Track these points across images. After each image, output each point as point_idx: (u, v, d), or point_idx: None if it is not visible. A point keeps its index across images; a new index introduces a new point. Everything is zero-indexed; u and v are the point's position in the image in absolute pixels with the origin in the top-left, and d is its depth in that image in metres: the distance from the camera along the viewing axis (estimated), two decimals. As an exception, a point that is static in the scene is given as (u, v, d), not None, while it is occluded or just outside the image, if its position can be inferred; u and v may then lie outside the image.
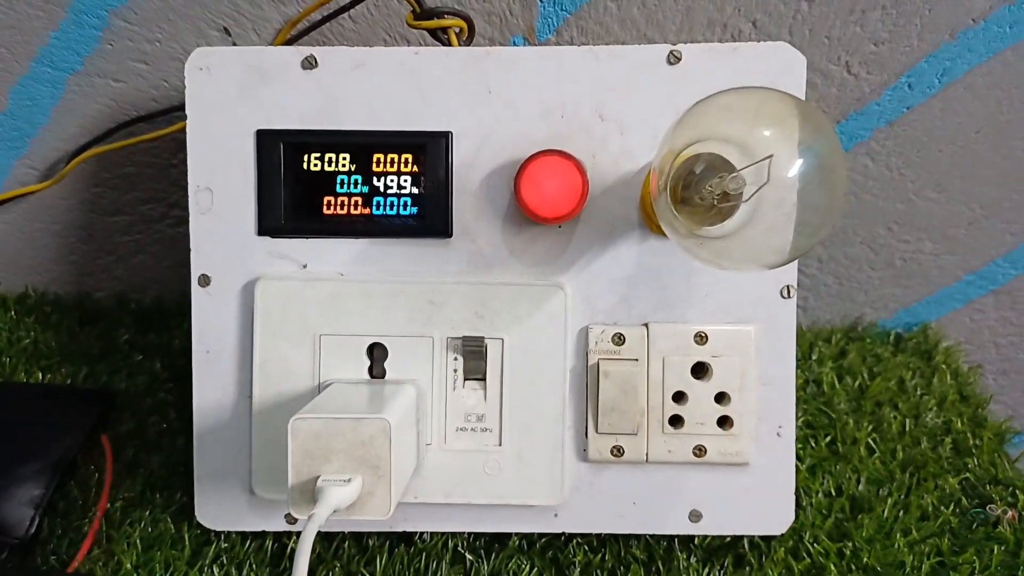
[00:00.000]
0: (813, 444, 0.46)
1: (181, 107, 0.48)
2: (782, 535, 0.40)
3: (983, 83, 0.48)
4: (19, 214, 0.54)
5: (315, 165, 0.38)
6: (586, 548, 0.41)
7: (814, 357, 0.54)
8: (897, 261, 0.55)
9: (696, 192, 0.30)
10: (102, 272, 0.57)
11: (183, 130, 0.46)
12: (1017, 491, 0.44)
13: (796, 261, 0.37)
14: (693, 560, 0.40)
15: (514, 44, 0.47)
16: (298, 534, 0.41)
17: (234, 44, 0.47)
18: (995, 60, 0.47)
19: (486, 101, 0.38)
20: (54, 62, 0.48)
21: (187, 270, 0.56)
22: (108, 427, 0.47)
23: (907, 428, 0.48)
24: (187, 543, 0.41)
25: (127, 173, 0.52)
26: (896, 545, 0.41)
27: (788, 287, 0.37)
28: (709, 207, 0.30)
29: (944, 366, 0.54)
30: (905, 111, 0.48)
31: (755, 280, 0.37)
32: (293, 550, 0.41)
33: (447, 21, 0.38)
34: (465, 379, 0.38)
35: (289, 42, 0.44)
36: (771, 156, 0.26)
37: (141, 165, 0.52)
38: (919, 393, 0.51)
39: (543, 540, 0.41)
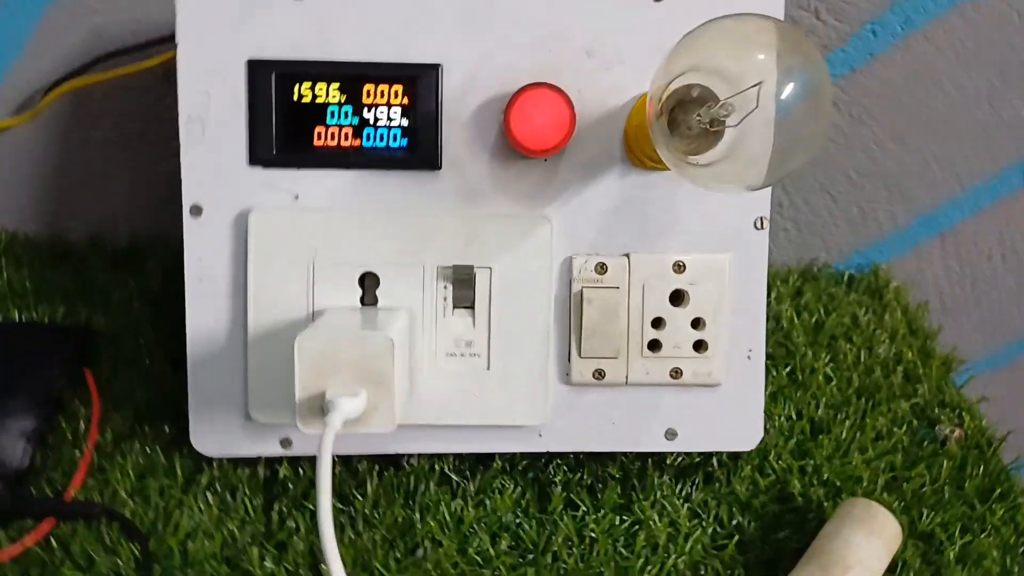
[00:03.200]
0: (775, 373, 0.50)
1: (160, 40, 0.47)
2: (749, 454, 0.43)
3: (942, 35, 0.51)
4: (-11, 152, 0.53)
5: (305, 96, 0.39)
6: (565, 468, 0.43)
7: (773, 296, 0.57)
8: (853, 208, 0.58)
9: (685, 122, 0.32)
10: (75, 211, 0.56)
11: (163, 64, 0.46)
12: (963, 412, 0.48)
13: (769, 192, 0.39)
14: (666, 478, 0.43)
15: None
16: (290, 459, 0.42)
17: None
18: (954, 12, 0.50)
19: (477, 34, 0.38)
20: (26, -8, 0.47)
21: (164, 207, 0.56)
22: (90, 363, 0.48)
23: (861, 358, 0.52)
24: (179, 471, 0.42)
25: (102, 109, 0.51)
26: (853, 462, 0.44)
27: (761, 219, 0.40)
28: (697, 135, 0.32)
29: (894, 303, 0.57)
30: (868, 58, 0.51)
31: (730, 212, 0.40)
32: (285, 476, 0.42)
33: (438, -45, 0.39)
34: (454, 307, 0.40)
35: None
36: (761, 83, 0.28)
37: (118, 100, 0.51)
38: (871, 328, 0.55)
39: (525, 462, 0.44)
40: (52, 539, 0.39)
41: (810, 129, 0.28)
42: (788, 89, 0.28)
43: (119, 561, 0.39)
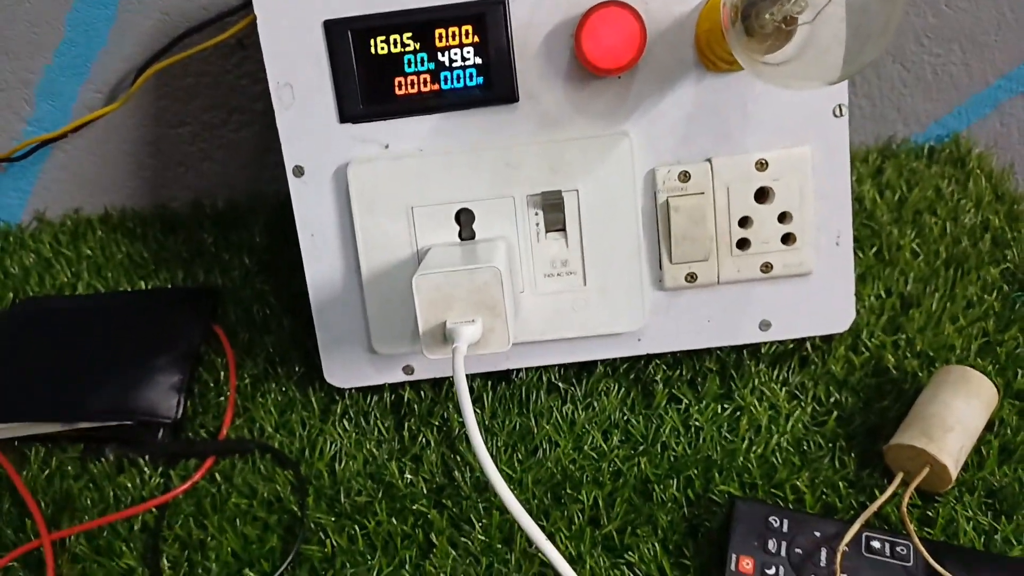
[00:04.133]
0: (861, 254, 0.50)
1: (230, 12, 0.49)
2: (841, 335, 0.45)
3: None
4: (90, 138, 0.57)
5: (382, 48, 0.40)
6: (664, 367, 0.46)
7: (854, 177, 0.57)
8: (928, 74, 0.57)
9: (758, 21, 0.32)
10: (174, 182, 0.60)
11: (236, 34, 0.49)
12: (1054, 271, 0.48)
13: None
14: (762, 366, 0.45)
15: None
16: (411, 383, 0.47)
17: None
18: None
19: (537, -38, 0.39)
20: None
21: (253, 170, 0.59)
22: (218, 319, 0.53)
23: (948, 230, 0.52)
24: (315, 404, 0.47)
25: (186, 84, 0.54)
26: (946, 331, 0.46)
27: (840, 106, 0.40)
28: (771, 34, 0.32)
29: (978, 170, 0.57)
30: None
31: (808, 102, 0.40)
32: (409, 398, 0.46)
33: None
34: (547, 231, 0.42)
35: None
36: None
37: (197, 75, 0.54)
38: (956, 198, 0.54)
39: (626, 364, 0.47)
40: (216, 475, 0.45)
41: (882, 20, 0.29)
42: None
43: (277, 487, 0.44)
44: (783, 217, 0.41)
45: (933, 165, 0.58)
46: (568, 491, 0.41)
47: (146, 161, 0.59)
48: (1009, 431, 0.41)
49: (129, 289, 0.55)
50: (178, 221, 0.60)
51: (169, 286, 0.56)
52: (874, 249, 0.51)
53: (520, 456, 0.43)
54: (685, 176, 0.41)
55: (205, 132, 0.57)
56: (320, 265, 0.44)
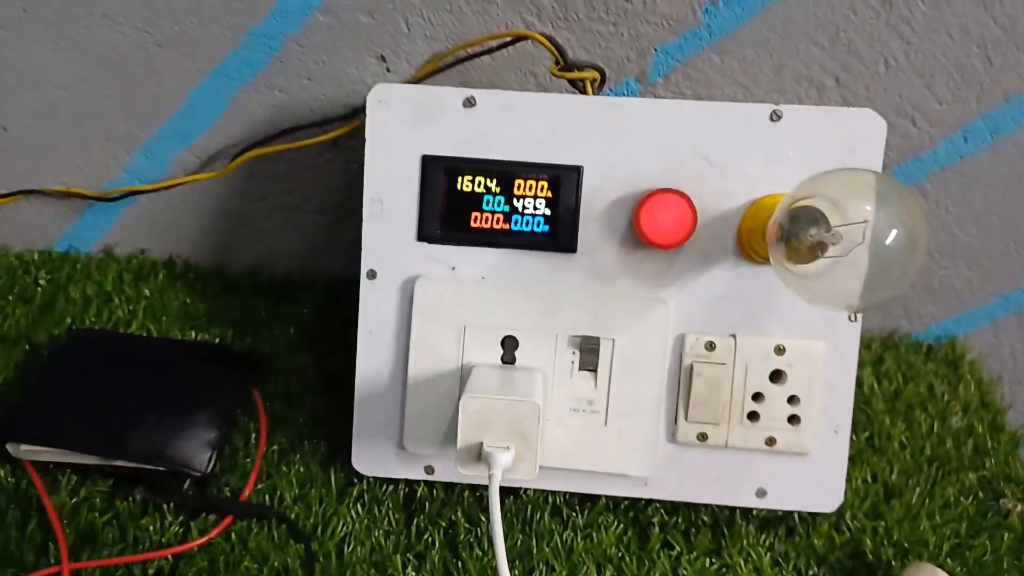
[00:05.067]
0: (854, 437, 0.55)
1: (337, 118, 0.56)
2: (828, 513, 0.49)
3: (1027, 141, 0.55)
4: (176, 193, 0.62)
5: (467, 186, 0.46)
6: (662, 511, 0.50)
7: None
8: (935, 283, 0.63)
9: (796, 236, 0.38)
10: (239, 247, 0.65)
11: (336, 139, 0.55)
12: (1026, 489, 0.53)
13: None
14: (751, 528, 0.49)
15: (626, 84, 0.55)
16: (427, 482, 0.50)
17: (388, 70, 0.55)
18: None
19: (614, 142, 0.45)
20: (229, 73, 0.56)
21: (314, 252, 0.65)
22: (258, 383, 0.56)
23: (935, 428, 0.56)
24: (334, 484, 0.50)
25: (277, 169, 0.60)
26: (922, 527, 0.49)
27: (855, 313, 0.45)
28: (804, 249, 0.38)
29: (969, 376, 0.62)
30: (958, 160, 0.56)
31: (828, 306, 0.45)
32: (422, 495, 0.50)
33: (585, 74, 0.46)
34: (580, 369, 0.47)
35: (434, 73, 0.52)
36: (866, 221, 0.34)
37: (291, 162, 0.60)
38: (946, 399, 0.59)
39: (626, 502, 0.50)
40: (232, 534, 0.48)
41: (902, 272, 0.34)
42: (891, 235, 0.34)
43: (287, 559, 0.47)
44: (792, 399, 0.46)
45: (929, 362, 0.63)
46: (558, 616, 0.44)
47: (220, 223, 0.64)
48: (969, 635, 0.45)
49: (180, 337, 0.60)
50: (236, 282, 0.65)
51: (217, 341, 0.60)
52: (866, 434, 0.55)
53: (518, 574, 0.46)
54: (711, 346, 0.46)
55: (281, 210, 0.63)
56: (371, 360, 0.48)
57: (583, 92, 0.47)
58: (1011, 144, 0.56)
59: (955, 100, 0.54)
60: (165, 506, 0.48)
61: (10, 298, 0.62)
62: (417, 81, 0.53)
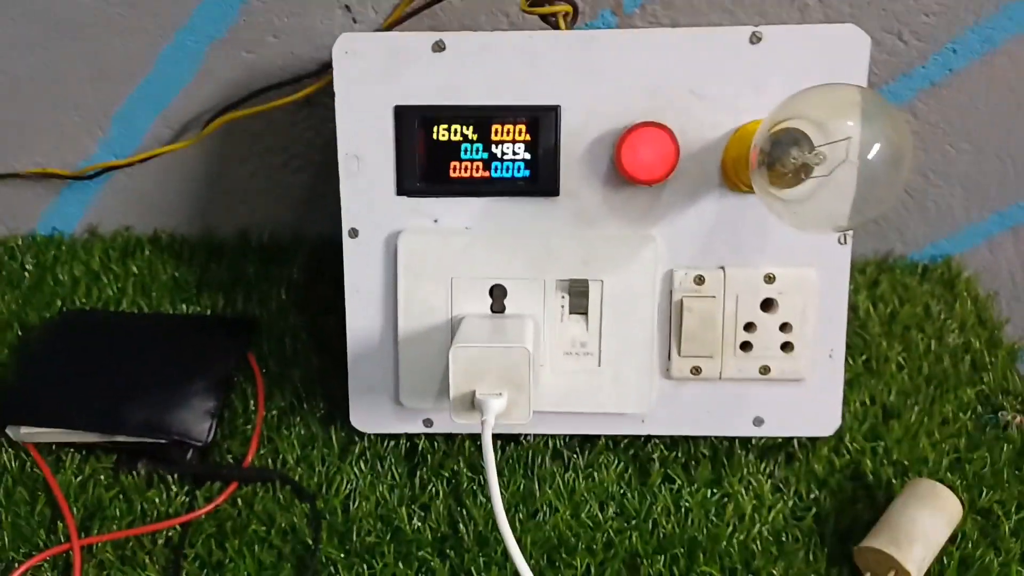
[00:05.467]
0: (851, 362, 0.55)
1: (307, 75, 0.54)
2: (827, 437, 0.49)
3: (1021, 51, 0.53)
4: (154, 165, 0.61)
5: (443, 135, 0.45)
6: (662, 447, 0.50)
7: (851, 286, 0.61)
8: (929, 203, 0.62)
9: (779, 160, 0.37)
10: (224, 213, 0.64)
11: (309, 96, 0.53)
12: (1025, 400, 0.53)
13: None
14: (751, 457, 0.49)
15: (602, 17, 0.53)
16: (427, 435, 0.50)
17: (354, 21, 0.53)
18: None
19: (591, 78, 0.44)
20: (196, 33, 0.54)
21: (300, 212, 0.64)
22: (252, 348, 0.56)
23: (932, 348, 0.56)
24: (335, 443, 0.51)
25: (253, 129, 0.59)
26: (921, 445, 0.50)
27: (845, 235, 0.45)
28: (789, 173, 0.37)
29: (965, 293, 0.61)
30: (948, 74, 0.54)
31: (816, 231, 0.45)
32: (423, 448, 0.50)
33: (557, 7, 0.44)
34: (571, 312, 0.46)
35: (402, 20, 0.50)
36: (849, 138, 0.33)
37: (266, 122, 0.59)
38: (942, 317, 0.59)
39: (625, 441, 0.50)
40: (238, 500, 0.48)
41: (888, 186, 0.33)
42: (874, 150, 0.33)
43: (293, 518, 0.47)
44: (784, 327, 0.46)
45: (925, 283, 0.63)
46: (563, 556, 0.45)
47: (201, 191, 0.63)
48: (970, 545, 0.45)
49: (171, 309, 0.59)
50: (224, 249, 0.65)
51: (209, 311, 0.59)
52: (863, 358, 0.55)
53: (521, 517, 0.47)
54: (700, 280, 0.45)
55: (262, 171, 0.62)
56: (361, 320, 0.48)
57: (556, 28, 0.46)
58: (1004, 55, 0.54)
59: (944, 11, 0.52)
60: (170, 477, 0.49)
61: (-3, 283, 0.61)
62: (386, 29, 0.52)
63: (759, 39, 0.43)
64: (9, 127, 0.60)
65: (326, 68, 0.55)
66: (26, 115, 0.60)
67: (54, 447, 0.51)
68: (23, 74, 0.58)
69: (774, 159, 0.37)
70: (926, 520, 0.43)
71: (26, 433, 0.50)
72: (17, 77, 0.58)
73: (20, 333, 0.58)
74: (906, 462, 0.49)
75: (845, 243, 0.45)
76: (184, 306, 0.60)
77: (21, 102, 0.59)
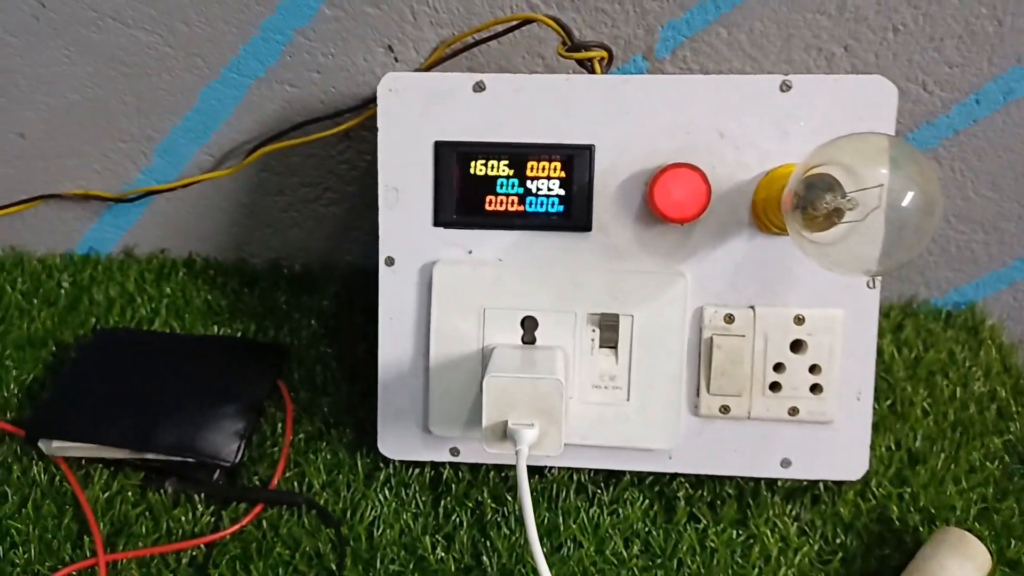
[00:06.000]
0: (876, 406, 0.55)
1: (347, 110, 0.56)
2: (853, 481, 0.49)
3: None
4: (193, 192, 0.63)
5: (480, 170, 0.47)
6: (687, 486, 0.50)
7: (876, 331, 0.62)
8: (952, 248, 0.62)
9: (812, 204, 0.38)
10: (258, 242, 0.66)
11: (348, 130, 0.55)
12: (1051, 451, 0.53)
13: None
14: (777, 498, 0.49)
15: (634, 62, 0.55)
16: (452, 464, 0.51)
17: (395, 60, 0.55)
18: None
19: (625, 120, 0.45)
20: (240, 70, 0.57)
21: (333, 243, 0.65)
22: (283, 374, 0.57)
23: (957, 394, 0.56)
24: (361, 469, 0.51)
25: (292, 162, 0.61)
26: (948, 492, 0.49)
27: (874, 278, 0.45)
28: (820, 217, 0.38)
29: (989, 341, 0.61)
30: (971, 123, 0.55)
31: (846, 273, 0.45)
32: (448, 477, 0.50)
33: (593, 53, 0.46)
34: (600, 346, 0.47)
35: (442, 60, 0.52)
36: (881, 185, 0.34)
37: (304, 155, 0.60)
38: (967, 364, 0.59)
39: (651, 478, 0.51)
40: (263, 522, 0.49)
41: (918, 234, 0.34)
42: (908, 197, 0.34)
43: (318, 544, 0.48)
44: (813, 368, 0.46)
45: (949, 329, 0.63)
46: (588, 590, 0.45)
47: (237, 219, 0.65)
48: (999, 596, 0.45)
49: (203, 333, 0.61)
50: (257, 277, 0.66)
51: (240, 335, 0.60)
52: (888, 402, 0.55)
53: (546, 551, 0.47)
54: (730, 319, 0.46)
55: (298, 203, 0.63)
56: (393, 346, 0.49)
57: (591, 71, 0.47)
58: (1024, 106, 0.55)
59: (966, 63, 0.54)
60: (196, 496, 0.49)
61: (35, 301, 0.63)
62: (426, 69, 0.54)
63: (789, 87, 0.44)
64: (57, 154, 0.63)
65: (366, 104, 0.57)
66: (74, 143, 0.62)
67: (84, 462, 0.51)
68: (72, 104, 0.60)
69: (807, 203, 0.38)
70: (955, 569, 0.43)
71: (57, 447, 0.51)
72: (65, 107, 0.61)
73: (55, 350, 0.59)
74: (933, 509, 0.49)
75: (874, 287, 0.46)
76: (216, 329, 0.61)
77: (70, 131, 0.61)
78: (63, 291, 0.64)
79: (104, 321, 0.61)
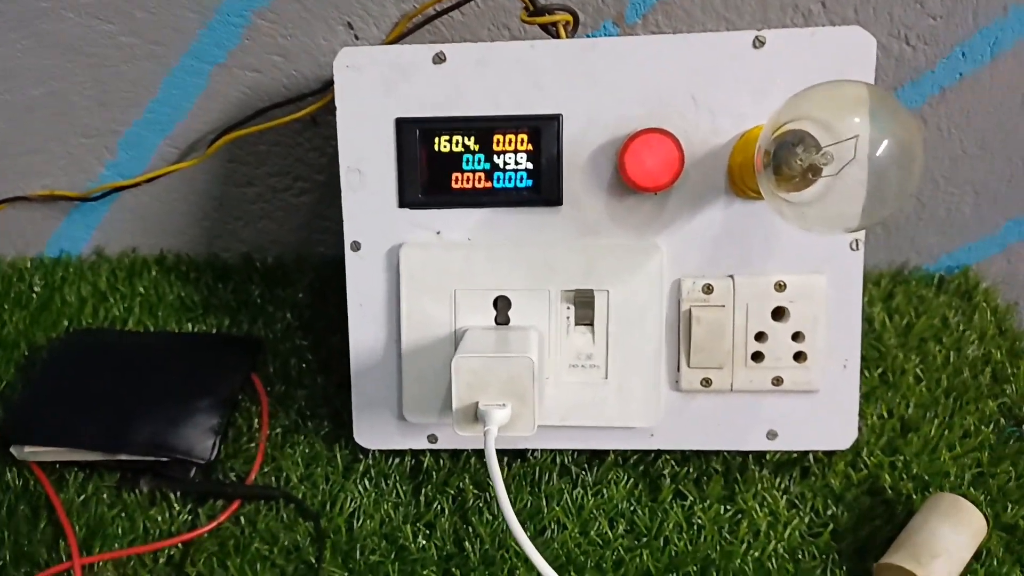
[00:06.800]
0: (867, 374, 0.53)
1: (310, 93, 0.54)
2: (843, 451, 0.48)
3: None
4: (158, 185, 0.62)
5: (444, 147, 0.45)
6: (673, 463, 0.49)
7: (866, 299, 0.60)
8: (942, 211, 0.61)
9: (786, 162, 0.36)
10: (230, 235, 0.64)
11: (312, 114, 0.54)
12: (1048, 412, 0.51)
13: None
14: (765, 472, 0.48)
15: (604, 28, 0.53)
16: (432, 451, 0.49)
17: (356, 38, 0.54)
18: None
19: (592, 86, 0.44)
20: (201, 56, 0.55)
21: (304, 233, 0.64)
22: (257, 368, 0.56)
23: (950, 360, 0.55)
24: (339, 461, 0.50)
25: (258, 151, 0.59)
26: (941, 458, 0.48)
27: (856, 240, 0.44)
28: (796, 175, 0.36)
29: (984, 304, 0.60)
30: (958, 79, 0.53)
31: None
32: (428, 465, 0.49)
33: (557, 16, 0.44)
34: (576, 324, 0.45)
35: (405, 35, 0.50)
36: (857, 136, 0.32)
37: (270, 143, 0.59)
38: (961, 328, 0.57)
39: (635, 457, 0.49)
40: (241, 518, 0.47)
41: (899, 186, 0.32)
42: (883, 146, 0.32)
43: (297, 537, 0.46)
44: (796, 336, 0.44)
45: (941, 295, 0.61)
46: (572, 575, 0.43)
47: (207, 213, 0.63)
48: (995, 562, 0.43)
49: (177, 330, 0.59)
50: (229, 271, 0.64)
51: (215, 331, 0.59)
52: (879, 371, 0.54)
53: (528, 534, 0.45)
54: (708, 289, 0.45)
55: (268, 194, 0.62)
56: (364, 333, 0.47)
57: (556, 37, 0.45)
58: (1012, 58, 0.53)
59: (950, 15, 0.52)
60: (172, 495, 0.48)
61: (6, 305, 0.61)
62: (388, 44, 0.52)
63: (762, 43, 0.43)
64: (18, 151, 0.61)
65: (329, 85, 0.55)
66: (35, 140, 0.60)
67: (58, 466, 0.50)
68: (32, 100, 0.59)
69: (780, 161, 0.37)
70: (949, 535, 0.41)
71: (30, 452, 0.50)
72: (26, 103, 0.59)
73: (27, 353, 0.58)
74: (926, 476, 0.47)
75: (857, 249, 0.44)
76: (190, 326, 0.60)
77: (30, 127, 0.60)
78: (35, 293, 0.63)
79: (77, 322, 0.60)
